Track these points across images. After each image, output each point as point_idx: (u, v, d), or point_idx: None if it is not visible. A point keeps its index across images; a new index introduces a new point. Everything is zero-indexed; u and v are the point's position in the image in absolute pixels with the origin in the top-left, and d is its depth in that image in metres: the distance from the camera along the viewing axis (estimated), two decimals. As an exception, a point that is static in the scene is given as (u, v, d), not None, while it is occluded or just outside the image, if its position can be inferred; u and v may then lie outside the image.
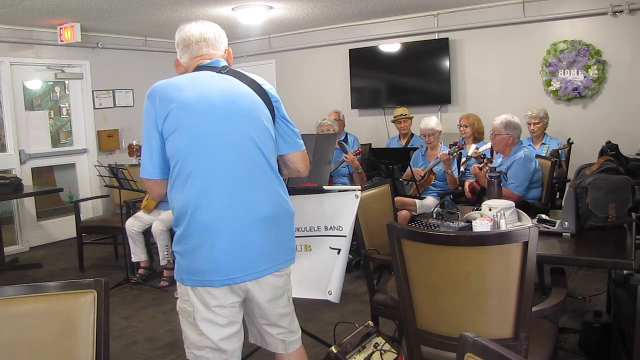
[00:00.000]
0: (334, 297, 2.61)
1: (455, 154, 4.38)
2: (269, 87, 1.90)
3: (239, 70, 1.88)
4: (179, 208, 1.77)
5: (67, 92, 6.57)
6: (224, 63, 1.89)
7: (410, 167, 4.42)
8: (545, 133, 4.80)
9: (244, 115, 1.79)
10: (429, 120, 4.55)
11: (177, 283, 1.90)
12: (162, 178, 1.82)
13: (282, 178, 1.93)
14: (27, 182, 5.85)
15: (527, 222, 2.62)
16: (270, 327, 1.94)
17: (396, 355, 2.37)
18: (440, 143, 4.59)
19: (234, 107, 1.79)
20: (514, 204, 2.68)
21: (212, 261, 1.75)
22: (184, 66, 1.94)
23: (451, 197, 3.82)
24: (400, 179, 4.30)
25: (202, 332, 1.83)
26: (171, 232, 4.43)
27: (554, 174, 3.99)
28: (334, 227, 2.64)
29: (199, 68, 1.88)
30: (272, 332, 1.95)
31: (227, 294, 1.80)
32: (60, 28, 5.79)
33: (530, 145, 4.71)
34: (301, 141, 1.96)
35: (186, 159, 1.74)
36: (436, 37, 6.27)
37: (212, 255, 1.75)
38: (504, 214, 2.52)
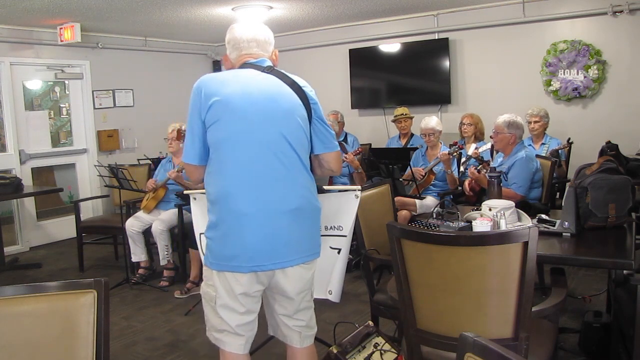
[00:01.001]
0: (334, 297, 2.61)
1: (455, 153, 4.38)
2: (309, 90, 2.01)
3: (282, 71, 1.99)
4: (214, 194, 1.90)
5: (67, 92, 6.57)
6: (268, 63, 2.00)
7: (411, 167, 4.42)
8: (545, 133, 4.80)
9: (281, 113, 1.90)
10: (429, 119, 4.55)
11: (204, 267, 2.01)
12: (201, 164, 1.95)
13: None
14: (27, 182, 5.85)
15: (527, 222, 2.62)
16: (289, 319, 2.02)
17: (396, 355, 2.38)
18: (441, 143, 4.60)
19: (273, 105, 1.90)
20: (514, 204, 2.68)
21: (241, 247, 1.86)
22: (231, 62, 2.05)
23: (451, 197, 3.82)
24: (400, 179, 4.30)
25: (222, 317, 1.94)
26: (171, 232, 4.44)
27: (554, 174, 3.99)
28: (334, 227, 2.64)
29: (245, 65, 1.98)
30: (289, 324, 2.02)
31: (252, 281, 1.90)
32: (60, 28, 5.79)
33: (530, 145, 4.71)
34: (336, 142, 2.08)
35: (224, 149, 1.87)
36: (436, 37, 6.28)
37: (242, 242, 1.85)
38: (504, 214, 2.52)
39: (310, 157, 2.02)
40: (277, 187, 1.87)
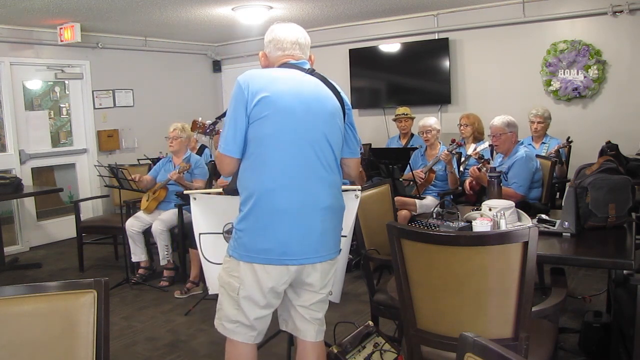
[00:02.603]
0: (334, 297, 2.61)
1: (454, 151, 4.39)
2: (345, 95, 2.09)
3: (322, 74, 2.05)
4: (251, 188, 1.92)
5: (67, 92, 6.57)
6: (309, 66, 2.06)
7: (411, 169, 4.42)
8: (545, 133, 4.80)
9: (326, 115, 1.96)
10: (428, 118, 4.58)
11: (227, 258, 2.01)
12: (239, 158, 1.96)
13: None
14: (27, 182, 5.85)
15: (527, 222, 2.62)
16: (308, 311, 2.05)
17: (396, 355, 2.38)
18: (439, 143, 4.59)
19: (320, 106, 1.96)
20: (514, 204, 2.68)
21: (275, 241, 1.90)
22: (269, 61, 2.08)
23: (451, 197, 3.82)
24: (401, 179, 4.30)
25: (241, 308, 1.96)
26: (171, 232, 4.44)
27: (554, 173, 3.99)
28: (334, 227, 2.64)
29: (286, 65, 2.02)
30: (307, 317, 2.05)
31: (283, 274, 1.93)
32: (60, 28, 5.79)
33: (530, 144, 4.71)
34: (359, 150, 2.17)
35: (268, 145, 1.90)
36: (436, 37, 6.28)
37: (276, 236, 1.90)
38: (504, 214, 2.52)
39: None
40: (316, 185, 1.93)
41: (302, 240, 1.91)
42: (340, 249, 2.10)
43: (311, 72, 2.02)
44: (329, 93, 2.00)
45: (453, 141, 4.45)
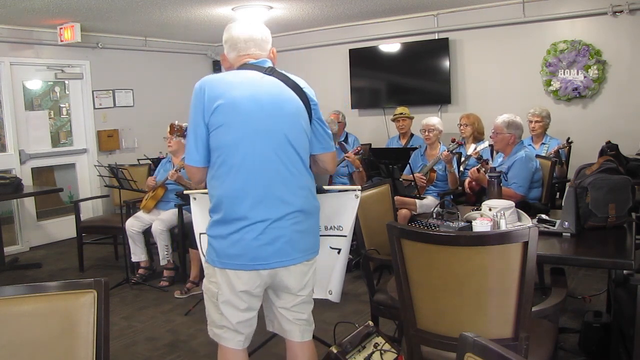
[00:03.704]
0: (334, 297, 2.61)
1: (455, 150, 4.39)
2: (310, 91, 2.02)
3: (283, 72, 1.99)
4: (219, 197, 1.91)
5: (67, 92, 6.57)
6: (269, 64, 2.00)
7: (412, 170, 4.42)
8: (545, 133, 4.80)
9: (285, 117, 1.92)
10: (431, 117, 4.60)
11: (205, 265, 2.04)
12: (205, 166, 1.96)
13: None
14: (27, 182, 5.85)
15: (527, 222, 2.62)
16: (290, 312, 2.04)
17: (396, 355, 2.38)
18: (440, 143, 4.59)
19: (279, 108, 1.91)
20: (514, 204, 2.68)
21: (245, 248, 1.89)
22: (230, 62, 2.04)
23: (451, 197, 3.82)
24: (401, 179, 4.30)
25: (223, 313, 1.96)
26: (171, 232, 4.44)
27: (554, 174, 3.99)
28: (334, 227, 2.63)
29: (245, 66, 1.98)
30: (289, 317, 2.05)
31: (255, 279, 1.92)
32: (60, 28, 5.79)
33: (530, 145, 4.71)
34: (332, 143, 2.11)
35: (230, 153, 1.88)
36: (436, 37, 6.28)
37: (244, 242, 1.88)
38: (504, 214, 2.52)
39: None
40: (281, 190, 1.90)
41: (271, 245, 1.89)
42: (318, 250, 2.07)
43: (271, 71, 1.96)
44: (290, 93, 1.95)
45: (453, 140, 4.45)
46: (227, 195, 1.89)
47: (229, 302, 1.94)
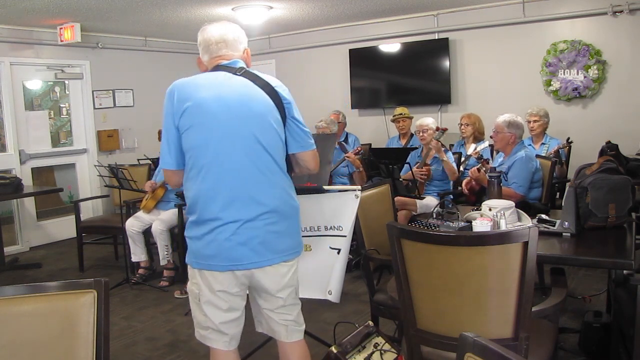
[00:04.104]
0: (334, 297, 2.61)
1: (439, 136, 4.37)
2: (282, 89, 1.99)
3: (254, 72, 1.98)
4: (192, 198, 1.93)
5: (67, 92, 6.57)
6: (241, 64, 1.99)
7: (411, 169, 4.42)
8: (545, 133, 4.80)
9: (253, 117, 1.90)
10: (425, 118, 4.60)
11: (188, 266, 2.04)
12: (178, 169, 1.97)
13: (290, 176, 2.07)
14: (27, 182, 5.85)
15: (527, 222, 2.62)
16: (275, 314, 2.04)
17: (396, 355, 2.37)
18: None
19: (245, 108, 1.90)
20: (514, 204, 2.68)
21: (218, 248, 1.89)
22: (205, 65, 2.05)
23: (451, 197, 3.82)
24: (400, 179, 4.30)
25: (206, 313, 1.97)
26: (171, 232, 4.44)
27: (554, 174, 3.99)
28: (334, 227, 2.64)
29: (218, 68, 1.98)
30: (276, 318, 2.04)
31: (230, 280, 1.93)
32: (60, 28, 5.79)
33: (530, 145, 4.71)
34: (312, 141, 2.07)
35: (200, 154, 1.88)
36: (436, 37, 6.28)
37: (218, 243, 1.88)
38: (504, 214, 2.52)
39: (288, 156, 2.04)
40: (253, 190, 1.89)
41: (244, 245, 1.88)
42: (300, 250, 2.05)
43: (242, 72, 1.95)
44: (258, 92, 1.93)
45: (437, 129, 4.44)
46: (199, 196, 1.90)
47: (210, 303, 1.95)
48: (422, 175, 4.40)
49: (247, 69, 1.98)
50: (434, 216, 2.84)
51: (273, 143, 1.93)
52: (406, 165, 4.64)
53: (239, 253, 1.88)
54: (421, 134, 4.52)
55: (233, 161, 1.88)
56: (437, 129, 4.46)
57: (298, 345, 2.09)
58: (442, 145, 4.37)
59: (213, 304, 1.95)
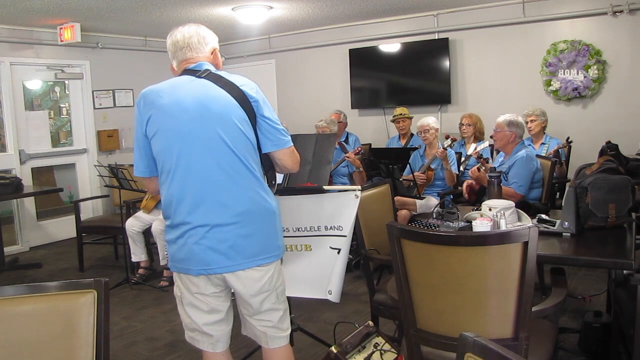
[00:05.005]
0: (334, 297, 2.61)
1: (450, 146, 4.39)
2: (249, 88, 1.92)
3: (219, 73, 1.94)
4: (164, 202, 1.95)
5: (67, 92, 6.58)
6: (207, 66, 1.95)
7: (411, 169, 4.42)
8: (545, 133, 4.81)
9: (213, 118, 1.86)
10: (426, 118, 4.60)
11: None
12: (152, 176, 1.99)
13: (268, 176, 2.05)
14: (27, 182, 5.85)
15: (527, 222, 2.62)
16: (252, 319, 2.01)
17: (396, 355, 2.37)
18: (439, 142, 4.60)
19: (203, 110, 1.87)
20: (514, 204, 2.68)
21: (189, 251, 1.90)
22: (176, 70, 2.02)
23: (451, 197, 3.82)
24: (401, 179, 4.30)
25: (190, 315, 2.00)
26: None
27: (554, 174, 3.99)
28: (334, 227, 2.64)
29: (184, 72, 1.96)
30: (254, 324, 2.01)
31: (205, 283, 1.94)
32: (60, 28, 5.79)
33: (530, 145, 4.71)
34: (287, 138, 2.00)
35: (166, 159, 1.90)
36: (436, 37, 6.27)
37: (189, 247, 1.90)
38: (504, 214, 2.52)
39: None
40: (220, 193, 1.86)
41: (213, 250, 1.86)
42: (277, 254, 1.99)
43: (206, 74, 1.91)
44: (218, 92, 1.87)
45: (447, 137, 4.46)
46: (170, 200, 1.91)
47: (191, 304, 1.97)
48: (421, 179, 4.41)
49: (213, 70, 1.94)
50: (434, 216, 2.84)
51: (239, 143, 1.87)
52: (408, 166, 4.64)
53: (209, 257, 1.87)
54: (423, 133, 4.52)
55: (196, 164, 1.86)
56: (447, 137, 4.46)
57: (281, 352, 2.02)
58: (445, 149, 4.37)
59: (194, 305, 1.97)
